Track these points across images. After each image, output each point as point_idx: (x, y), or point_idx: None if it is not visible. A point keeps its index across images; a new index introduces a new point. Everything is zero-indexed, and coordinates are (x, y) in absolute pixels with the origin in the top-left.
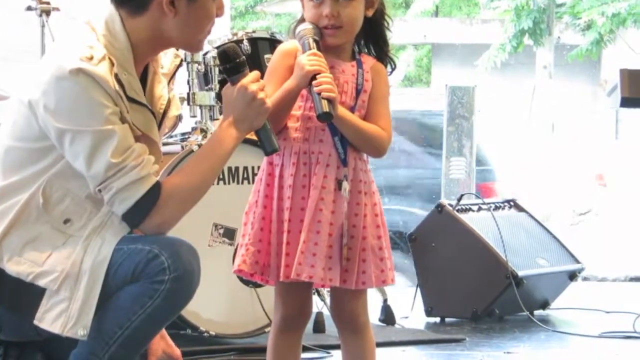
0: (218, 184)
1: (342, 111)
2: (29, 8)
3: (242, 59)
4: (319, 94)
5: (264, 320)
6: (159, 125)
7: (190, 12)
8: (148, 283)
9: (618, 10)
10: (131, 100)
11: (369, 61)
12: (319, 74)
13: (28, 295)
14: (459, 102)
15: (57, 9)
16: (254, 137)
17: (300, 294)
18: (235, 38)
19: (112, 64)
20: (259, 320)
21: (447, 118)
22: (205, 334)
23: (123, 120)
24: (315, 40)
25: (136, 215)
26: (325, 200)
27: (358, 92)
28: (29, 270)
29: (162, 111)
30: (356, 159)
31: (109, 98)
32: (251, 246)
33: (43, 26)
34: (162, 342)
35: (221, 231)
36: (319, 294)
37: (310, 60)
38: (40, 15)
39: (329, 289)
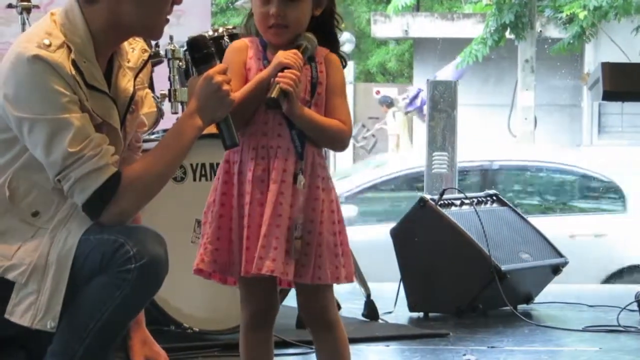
0: (200, 180)
1: (302, 111)
2: (10, 5)
3: (210, 50)
4: (277, 82)
5: None
6: (124, 118)
7: None
8: (115, 273)
9: (600, 3)
10: (91, 87)
11: (321, 52)
12: (289, 68)
13: None
14: (440, 97)
15: (38, 7)
16: None
17: (264, 289)
18: (216, 34)
19: (70, 51)
20: None
21: (429, 113)
22: (189, 331)
23: (82, 108)
24: (306, 47)
25: (95, 205)
26: (285, 194)
27: (313, 85)
28: None
29: (126, 103)
30: (314, 154)
31: (66, 85)
32: (209, 244)
33: (24, 24)
34: (145, 347)
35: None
36: None
37: (288, 54)
38: (21, 13)
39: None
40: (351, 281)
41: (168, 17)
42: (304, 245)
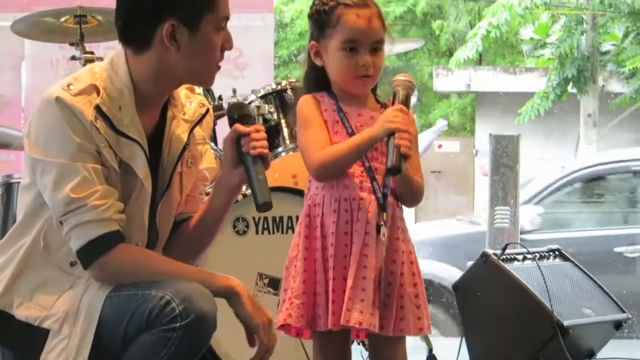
0: (262, 233)
1: (408, 171)
2: (73, 58)
3: (249, 113)
4: (397, 147)
5: None
6: (174, 169)
7: (192, 44)
8: (161, 331)
9: None
10: (120, 133)
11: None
12: (399, 131)
13: (36, 338)
14: (503, 151)
15: (101, 59)
16: (297, 187)
17: (339, 344)
18: (279, 87)
19: (98, 96)
20: None
21: (492, 167)
22: None
23: (99, 152)
24: (406, 96)
25: (87, 254)
26: (370, 246)
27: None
28: (37, 315)
29: (177, 153)
30: (394, 206)
31: (83, 131)
32: (295, 299)
33: None
34: None
35: (266, 281)
36: (363, 345)
37: (396, 116)
38: (84, 65)
39: None
40: (429, 332)
41: (219, 64)
42: (384, 297)
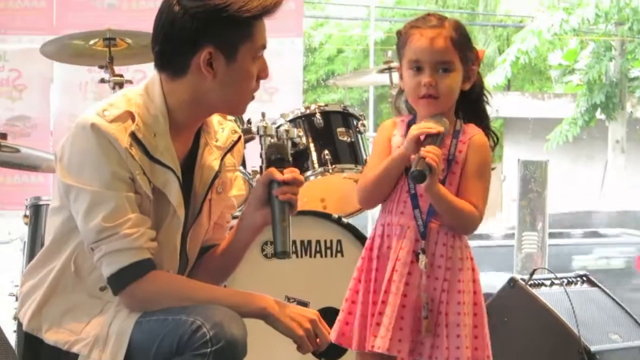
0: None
1: (439, 188)
2: (102, 80)
3: (287, 157)
4: (422, 157)
5: None
6: (205, 195)
7: (229, 73)
8: (192, 356)
9: None
10: (154, 160)
11: (470, 132)
12: (424, 140)
13: None
14: (531, 177)
15: (131, 82)
16: (327, 212)
17: None
18: (307, 111)
19: (133, 122)
20: None
21: (520, 192)
22: None
23: (133, 179)
24: (440, 132)
25: (117, 282)
26: (399, 272)
27: (449, 162)
28: (66, 339)
29: (209, 180)
30: (439, 233)
31: (117, 158)
32: (342, 318)
33: None
34: None
35: (293, 304)
36: None
37: (419, 126)
38: (113, 88)
39: None
40: None
41: (254, 94)
42: (427, 323)
